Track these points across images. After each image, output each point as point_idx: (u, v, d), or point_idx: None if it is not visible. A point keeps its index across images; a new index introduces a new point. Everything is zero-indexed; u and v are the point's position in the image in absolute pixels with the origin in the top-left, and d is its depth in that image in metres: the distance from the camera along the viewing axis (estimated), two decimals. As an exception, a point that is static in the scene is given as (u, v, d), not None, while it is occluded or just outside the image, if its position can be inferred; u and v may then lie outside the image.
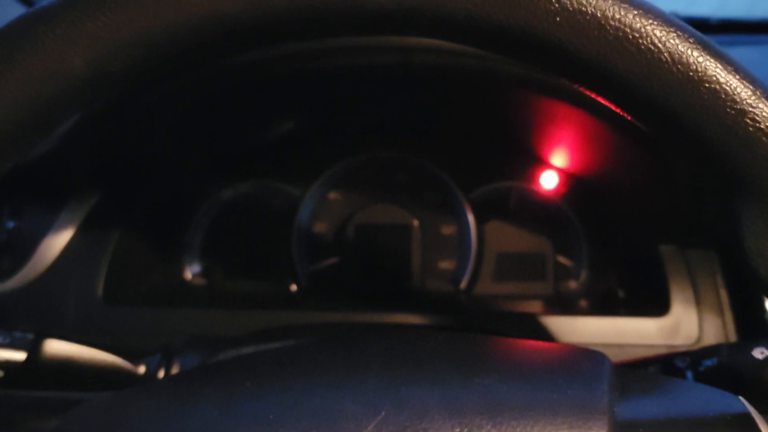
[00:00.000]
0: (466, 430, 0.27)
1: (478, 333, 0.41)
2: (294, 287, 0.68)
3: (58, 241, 0.58)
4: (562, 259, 0.67)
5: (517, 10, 0.27)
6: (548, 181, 0.68)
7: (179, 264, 0.69)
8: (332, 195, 0.69)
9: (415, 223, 0.68)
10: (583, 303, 0.64)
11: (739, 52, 0.84)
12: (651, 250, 0.57)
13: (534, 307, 0.63)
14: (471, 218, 0.67)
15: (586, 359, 0.33)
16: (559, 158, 0.66)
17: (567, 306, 0.64)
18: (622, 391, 0.30)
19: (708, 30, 0.93)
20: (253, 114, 0.61)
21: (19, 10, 0.75)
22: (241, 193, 0.70)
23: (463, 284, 0.67)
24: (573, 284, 0.67)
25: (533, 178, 0.68)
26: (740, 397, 0.29)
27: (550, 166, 0.68)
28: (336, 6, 0.28)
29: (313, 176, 0.69)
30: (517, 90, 0.52)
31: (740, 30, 0.94)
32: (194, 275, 0.69)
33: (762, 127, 0.27)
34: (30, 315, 0.57)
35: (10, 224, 0.59)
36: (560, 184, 0.68)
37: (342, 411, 0.28)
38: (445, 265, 0.68)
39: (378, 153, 0.69)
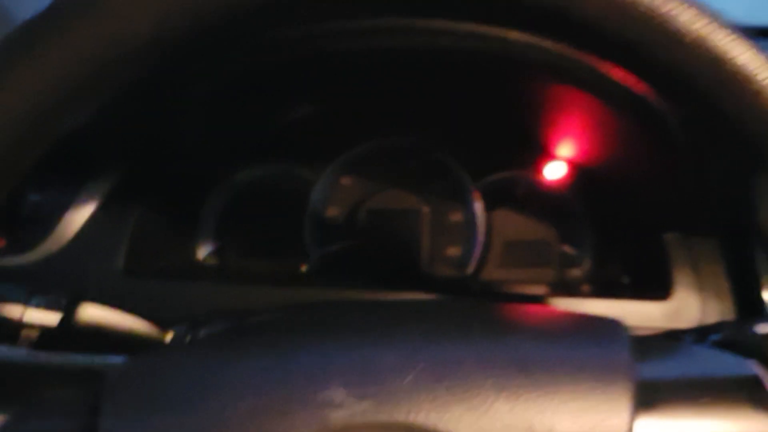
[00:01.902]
0: (500, 381, 0.29)
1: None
2: (305, 269, 0.70)
3: (81, 214, 0.60)
4: (566, 248, 0.70)
5: None
6: (555, 171, 0.70)
7: (193, 243, 0.70)
8: (344, 180, 0.71)
9: (425, 209, 0.70)
10: (587, 288, 0.66)
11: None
12: (655, 238, 0.59)
13: (538, 291, 0.65)
14: (479, 206, 0.70)
15: (606, 323, 0.35)
16: (566, 149, 0.68)
17: (571, 291, 0.66)
18: (642, 353, 0.32)
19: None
20: (274, 96, 0.62)
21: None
22: (255, 175, 0.72)
23: (470, 270, 0.69)
24: (577, 272, 0.69)
25: (540, 168, 0.70)
26: (752, 361, 0.31)
27: (557, 157, 0.70)
28: None
29: (326, 161, 0.71)
30: (532, 77, 0.54)
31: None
32: (207, 255, 0.71)
33: None
34: (51, 287, 0.58)
35: (35, 197, 0.60)
36: (566, 175, 0.70)
37: (382, 363, 0.30)
38: (453, 251, 0.70)
39: (390, 140, 0.71)
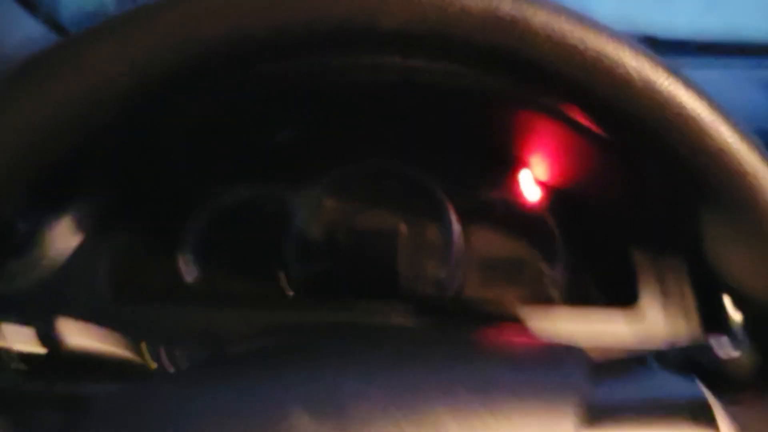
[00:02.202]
0: (455, 406, 0.30)
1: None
2: (288, 290, 0.71)
3: (68, 240, 0.61)
4: (542, 266, 0.72)
5: (511, 39, 0.31)
6: (531, 191, 0.72)
7: (177, 264, 0.72)
8: (326, 201, 0.73)
9: (404, 229, 0.72)
10: (561, 305, 0.68)
11: (714, 75, 0.89)
12: (624, 257, 0.61)
13: (515, 310, 0.67)
14: (456, 225, 0.71)
15: (564, 350, 0.37)
16: (540, 169, 0.70)
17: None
18: (597, 378, 0.34)
19: (684, 52, 0.98)
20: (255, 121, 0.64)
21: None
22: (237, 196, 0.74)
23: (449, 289, 0.71)
24: (551, 288, 0.71)
25: (517, 188, 0.72)
26: (699, 383, 0.33)
27: (532, 176, 0.72)
28: (350, 29, 0.32)
29: (307, 183, 0.73)
30: (505, 107, 0.56)
31: (715, 52, 0.98)
32: (191, 277, 0.72)
33: (720, 146, 0.31)
34: (40, 313, 0.59)
35: (21, 226, 0.61)
36: (542, 194, 0.72)
37: (344, 390, 0.31)
38: (432, 269, 0.72)
39: (370, 162, 0.73)
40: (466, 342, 0.38)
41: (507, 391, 0.31)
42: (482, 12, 0.31)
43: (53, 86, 0.32)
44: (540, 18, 0.31)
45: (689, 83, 0.31)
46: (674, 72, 0.31)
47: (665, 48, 0.98)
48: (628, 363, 0.45)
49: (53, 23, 0.83)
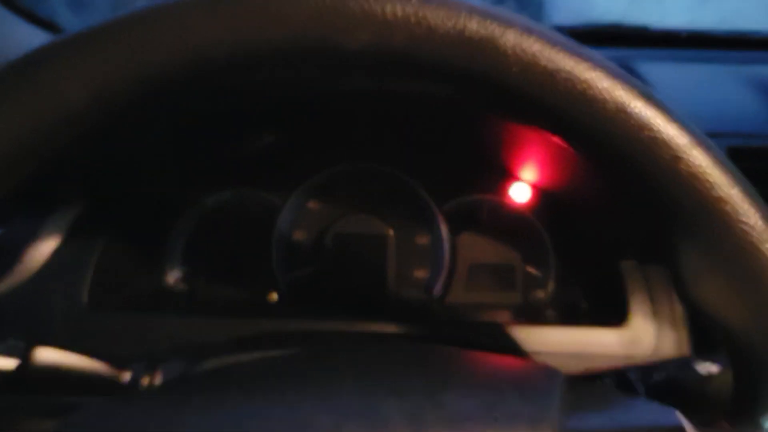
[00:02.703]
0: None
1: (446, 344, 0.44)
2: (273, 294, 0.71)
3: (45, 247, 0.60)
4: (531, 270, 0.71)
5: (480, 61, 0.30)
6: (519, 194, 0.71)
7: (161, 270, 0.71)
8: (311, 204, 0.72)
9: (391, 233, 0.71)
10: (550, 313, 0.67)
11: (709, 69, 0.87)
12: (612, 265, 0.60)
13: (503, 316, 0.66)
14: (444, 229, 0.70)
15: (541, 374, 0.36)
16: (528, 173, 0.69)
17: (534, 315, 0.67)
18: (572, 403, 0.33)
19: (677, 43, 0.97)
20: (235, 128, 0.63)
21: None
22: (222, 200, 0.73)
23: (436, 292, 0.70)
24: (541, 294, 0.70)
25: (504, 191, 0.71)
26: (676, 411, 0.32)
27: (520, 181, 0.71)
28: (313, 48, 0.31)
29: (292, 186, 0.72)
30: (485, 114, 0.55)
31: (710, 44, 0.97)
32: (175, 281, 0.71)
33: (693, 171, 0.30)
34: (17, 320, 0.59)
35: (-1, 231, 0.60)
36: (530, 198, 0.71)
37: (312, 423, 0.31)
38: (419, 274, 0.71)
39: (356, 164, 0.72)
40: (442, 366, 0.37)
41: (480, 419, 0.30)
42: (449, 32, 0.29)
43: (8, 108, 0.31)
44: (509, 38, 0.29)
45: (663, 106, 0.30)
46: (648, 95, 0.30)
47: (658, 40, 0.97)
48: (607, 387, 0.44)
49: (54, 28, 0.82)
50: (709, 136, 0.31)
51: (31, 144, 0.32)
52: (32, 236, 0.60)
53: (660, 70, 0.81)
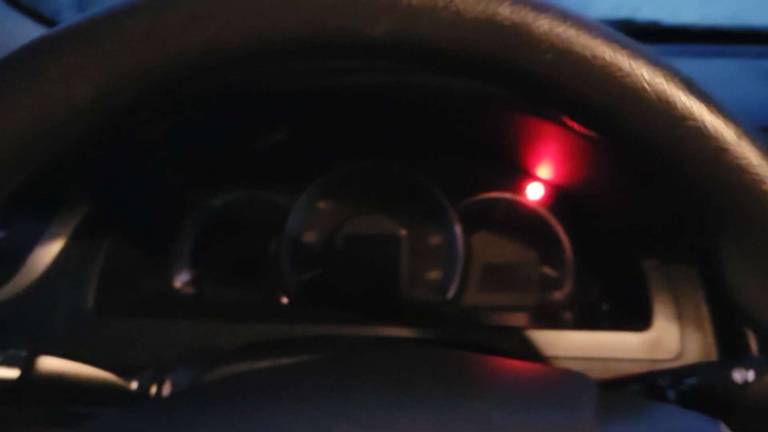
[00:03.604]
0: None
1: (464, 349, 0.42)
2: (282, 297, 0.69)
3: (49, 251, 0.58)
4: (547, 270, 0.69)
5: (510, 48, 0.28)
6: (534, 192, 0.69)
7: (168, 272, 0.69)
8: (321, 204, 0.70)
9: (403, 233, 0.69)
10: (568, 315, 0.65)
11: (721, 65, 0.85)
12: (634, 264, 0.58)
13: (520, 318, 0.64)
14: (458, 229, 0.68)
15: (574, 383, 0.34)
16: (544, 171, 0.67)
17: (552, 317, 0.65)
18: (608, 414, 0.31)
19: (690, 38, 0.95)
20: (243, 126, 0.61)
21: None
22: (230, 202, 0.71)
23: (450, 294, 0.68)
24: (558, 295, 0.68)
25: (519, 189, 0.69)
26: (721, 423, 0.30)
27: (536, 178, 0.69)
28: (334, 36, 0.29)
29: (302, 186, 0.70)
30: (503, 109, 0.53)
31: (724, 39, 0.95)
32: (183, 284, 0.70)
33: (741, 163, 0.28)
34: (20, 325, 0.57)
35: (1, 234, 0.59)
36: (546, 196, 0.69)
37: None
38: (433, 274, 0.69)
39: (367, 163, 0.70)
40: (471, 374, 0.35)
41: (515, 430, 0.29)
42: (479, 17, 0.27)
43: (11, 105, 0.29)
44: (542, 24, 0.27)
45: (707, 95, 0.28)
46: (690, 83, 0.28)
47: (670, 35, 0.95)
48: (640, 392, 0.42)
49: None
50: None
51: (34, 142, 0.30)
52: (36, 239, 0.59)
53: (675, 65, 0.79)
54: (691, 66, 0.86)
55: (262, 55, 0.29)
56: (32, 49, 0.29)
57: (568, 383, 0.34)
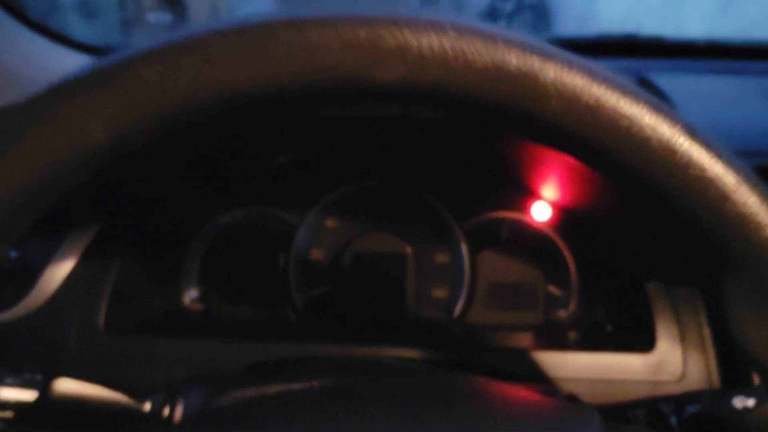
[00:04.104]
0: None
1: (469, 370, 0.43)
2: (291, 314, 0.70)
3: (60, 270, 0.59)
4: (552, 289, 0.70)
5: (518, 96, 0.29)
6: (540, 213, 0.70)
7: (177, 290, 0.70)
8: (329, 222, 0.71)
9: (410, 251, 0.70)
10: (572, 334, 0.66)
11: (724, 82, 0.85)
12: (638, 286, 0.59)
13: (525, 338, 0.65)
14: (464, 248, 0.69)
15: (579, 415, 0.35)
16: (550, 192, 0.68)
17: (557, 337, 0.66)
18: None
19: (693, 54, 0.95)
20: (252, 149, 0.62)
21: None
22: (238, 219, 0.72)
23: (456, 312, 0.69)
24: (563, 314, 0.69)
25: (525, 209, 0.70)
26: None
27: (541, 199, 0.70)
28: (346, 82, 0.30)
29: (309, 204, 0.71)
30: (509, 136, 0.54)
31: (728, 55, 0.95)
32: (192, 300, 0.71)
33: (741, 211, 0.29)
34: (33, 344, 0.58)
35: (14, 254, 0.60)
36: (552, 217, 0.70)
37: None
38: (439, 293, 0.70)
39: (374, 182, 0.71)
40: (476, 401, 0.36)
41: None
42: (487, 66, 0.28)
43: (29, 144, 0.30)
44: (549, 73, 0.28)
45: (709, 143, 0.29)
46: (693, 131, 0.29)
47: (673, 50, 0.96)
48: (644, 419, 0.43)
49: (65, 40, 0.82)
50: (735, 154, 0.30)
51: (49, 182, 0.31)
52: (48, 259, 0.60)
53: (677, 81, 0.79)
54: (696, 82, 0.86)
55: (275, 100, 0.30)
56: (51, 92, 0.30)
57: (573, 415, 0.35)
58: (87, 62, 0.78)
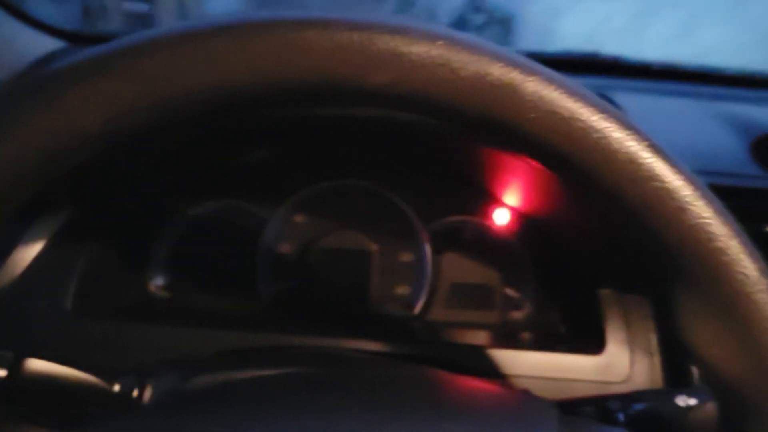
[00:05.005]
0: None
1: (428, 364, 0.45)
2: (256, 305, 0.71)
3: (29, 253, 0.59)
4: (509, 291, 0.73)
5: (499, 105, 0.31)
6: (501, 217, 0.73)
7: (145, 277, 0.71)
8: (297, 218, 0.73)
9: (375, 249, 0.72)
10: (527, 335, 0.69)
11: (682, 104, 0.89)
12: (591, 292, 0.62)
13: (482, 336, 0.68)
14: (428, 248, 0.72)
15: (537, 406, 0.37)
16: (511, 198, 0.71)
17: (512, 336, 0.69)
18: None
19: (651, 75, 0.99)
20: (225, 144, 0.63)
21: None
22: (208, 210, 0.73)
23: (417, 309, 0.72)
24: (518, 315, 0.72)
25: (488, 214, 0.73)
26: None
27: (503, 204, 0.73)
28: (338, 83, 0.31)
29: (280, 199, 0.72)
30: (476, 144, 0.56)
31: (683, 78, 1.00)
32: (158, 287, 0.71)
33: (696, 222, 0.32)
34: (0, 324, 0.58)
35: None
36: (512, 221, 0.73)
37: None
38: (402, 290, 0.73)
39: (344, 181, 0.73)
40: (439, 394, 0.38)
41: None
42: (472, 76, 0.31)
43: (25, 129, 0.31)
44: (529, 86, 0.31)
45: (671, 158, 0.32)
46: (657, 147, 0.31)
47: (632, 71, 1.00)
48: (593, 414, 0.46)
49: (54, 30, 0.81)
50: None
51: (44, 164, 0.32)
52: (16, 242, 0.59)
53: (635, 101, 0.83)
54: (652, 102, 0.90)
55: (268, 97, 0.32)
56: (51, 77, 0.31)
57: (531, 406, 0.37)
58: (61, 47, 0.78)
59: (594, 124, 0.31)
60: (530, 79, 0.31)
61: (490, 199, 0.73)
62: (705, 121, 0.80)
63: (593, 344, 0.60)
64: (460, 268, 0.73)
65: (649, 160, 0.31)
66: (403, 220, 0.72)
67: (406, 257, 0.73)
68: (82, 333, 0.58)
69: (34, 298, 0.59)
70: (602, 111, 0.31)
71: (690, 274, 0.32)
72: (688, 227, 0.31)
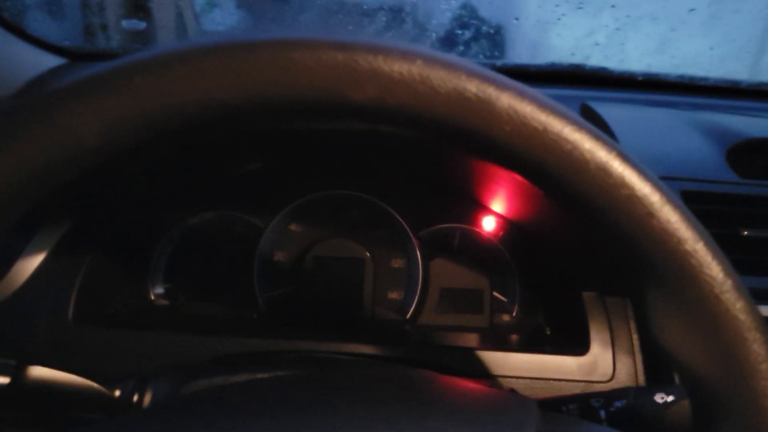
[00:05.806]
0: None
1: (420, 366, 0.47)
2: (253, 312, 0.73)
3: (31, 263, 0.61)
4: (497, 295, 0.75)
5: (475, 119, 0.33)
6: (489, 225, 0.75)
7: (145, 285, 0.73)
8: (293, 227, 0.75)
9: (368, 256, 0.74)
10: (515, 337, 0.71)
11: (663, 114, 0.91)
12: (575, 295, 0.64)
13: (471, 339, 0.70)
14: (419, 254, 0.74)
15: (518, 404, 0.39)
16: (498, 206, 0.73)
17: (500, 339, 0.71)
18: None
19: (634, 86, 1.02)
20: (221, 156, 0.65)
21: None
22: (206, 220, 0.75)
23: (409, 314, 0.74)
24: (506, 318, 0.74)
25: (476, 222, 0.75)
26: None
27: (490, 212, 0.75)
28: (322, 98, 0.33)
29: (275, 209, 0.74)
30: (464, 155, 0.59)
31: (664, 89, 1.02)
32: (157, 296, 0.73)
33: (664, 227, 0.34)
34: (3, 333, 0.59)
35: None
36: (499, 228, 0.75)
37: None
38: (394, 295, 0.75)
39: (337, 191, 0.75)
40: (427, 393, 0.40)
41: None
42: (449, 92, 0.33)
43: (22, 144, 0.32)
44: (503, 101, 0.33)
45: (639, 167, 0.34)
46: (625, 156, 0.33)
47: (617, 82, 1.02)
48: (576, 411, 0.48)
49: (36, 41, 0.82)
50: (664, 179, 0.35)
51: (39, 179, 0.34)
52: (19, 252, 0.61)
53: (618, 111, 0.86)
54: (634, 112, 0.92)
55: (256, 112, 0.33)
56: (48, 95, 0.33)
57: (513, 404, 0.39)
58: (60, 64, 0.80)
59: (565, 135, 0.33)
60: (505, 93, 0.33)
61: (477, 207, 0.75)
62: (685, 130, 0.82)
63: (578, 345, 0.62)
64: (450, 274, 0.75)
65: (618, 169, 0.33)
66: (395, 228, 0.74)
67: (398, 264, 0.75)
68: (84, 340, 0.60)
69: (37, 307, 0.60)
70: (573, 123, 0.33)
71: (660, 277, 0.34)
72: (657, 232, 0.33)
